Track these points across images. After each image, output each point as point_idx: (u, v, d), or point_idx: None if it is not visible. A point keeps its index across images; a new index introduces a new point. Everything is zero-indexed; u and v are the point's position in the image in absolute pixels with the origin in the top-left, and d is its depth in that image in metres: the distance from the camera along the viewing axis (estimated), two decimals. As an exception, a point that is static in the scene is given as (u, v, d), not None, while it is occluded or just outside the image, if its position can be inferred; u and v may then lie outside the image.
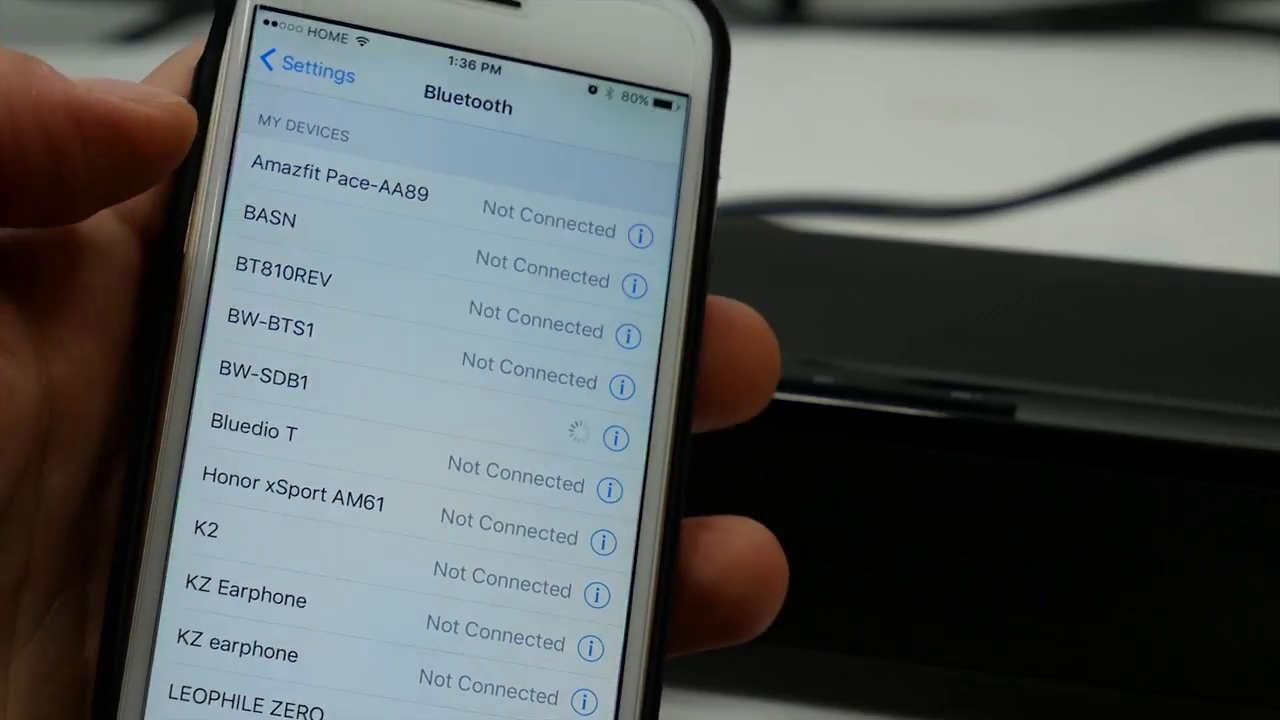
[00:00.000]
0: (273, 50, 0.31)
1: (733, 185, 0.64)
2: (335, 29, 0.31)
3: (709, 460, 0.41)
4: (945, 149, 0.70)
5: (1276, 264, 0.48)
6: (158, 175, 0.29)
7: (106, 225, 0.30)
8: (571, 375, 0.31)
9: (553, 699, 0.31)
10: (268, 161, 0.31)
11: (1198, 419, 0.41)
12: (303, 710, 0.30)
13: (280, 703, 0.30)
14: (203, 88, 0.30)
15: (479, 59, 0.32)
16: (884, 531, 0.42)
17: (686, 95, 0.32)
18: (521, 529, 0.31)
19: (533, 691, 0.31)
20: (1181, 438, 0.40)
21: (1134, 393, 0.41)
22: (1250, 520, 0.40)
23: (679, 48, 0.32)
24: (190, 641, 0.29)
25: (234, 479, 0.30)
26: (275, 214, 0.31)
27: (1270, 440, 0.40)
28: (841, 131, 0.74)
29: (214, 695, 0.29)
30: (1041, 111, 0.75)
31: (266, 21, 0.31)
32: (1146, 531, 0.41)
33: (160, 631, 0.29)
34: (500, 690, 0.31)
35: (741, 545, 0.32)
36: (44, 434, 0.29)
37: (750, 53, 0.88)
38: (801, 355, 0.42)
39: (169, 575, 0.29)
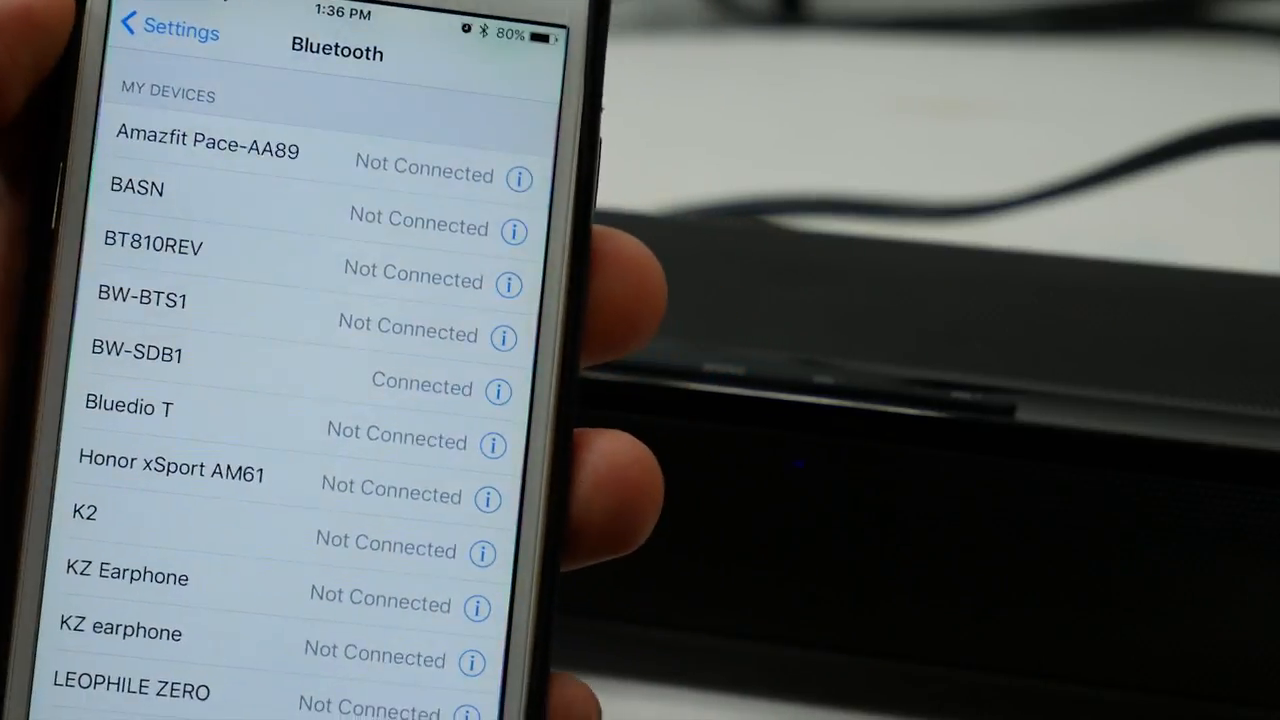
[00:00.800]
0: (133, 13, 0.30)
1: (733, 185, 0.64)
2: None
3: (707, 459, 0.42)
4: (945, 149, 0.70)
5: (1277, 264, 0.48)
6: (61, 43, 0.29)
7: None
8: (452, 329, 0.31)
9: (440, 662, 0.30)
10: (133, 129, 0.30)
11: (1198, 419, 0.41)
12: (189, 689, 0.30)
13: (166, 683, 0.29)
14: (63, 57, 0.30)
15: (346, 5, 0.31)
16: (885, 532, 0.42)
17: (565, 27, 0.31)
18: (405, 491, 0.31)
19: (421, 655, 0.30)
20: (1182, 438, 0.40)
21: (1134, 393, 0.41)
22: (1251, 520, 0.40)
23: None
24: (73, 627, 0.29)
25: (111, 459, 0.30)
26: (143, 184, 0.30)
27: (1270, 440, 0.40)
28: (841, 131, 0.74)
29: (99, 680, 0.29)
30: (1041, 111, 0.75)
31: None
32: (1147, 532, 0.41)
33: (43, 618, 0.29)
34: (388, 657, 0.30)
35: (613, 459, 0.31)
36: None
37: (750, 53, 0.88)
38: (801, 355, 0.43)
39: (49, 561, 0.29)
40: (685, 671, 0.44)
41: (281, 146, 0.31)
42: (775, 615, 0.43)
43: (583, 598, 0.42)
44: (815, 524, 0.42)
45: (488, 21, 0.31)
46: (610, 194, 0.53)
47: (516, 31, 0.31)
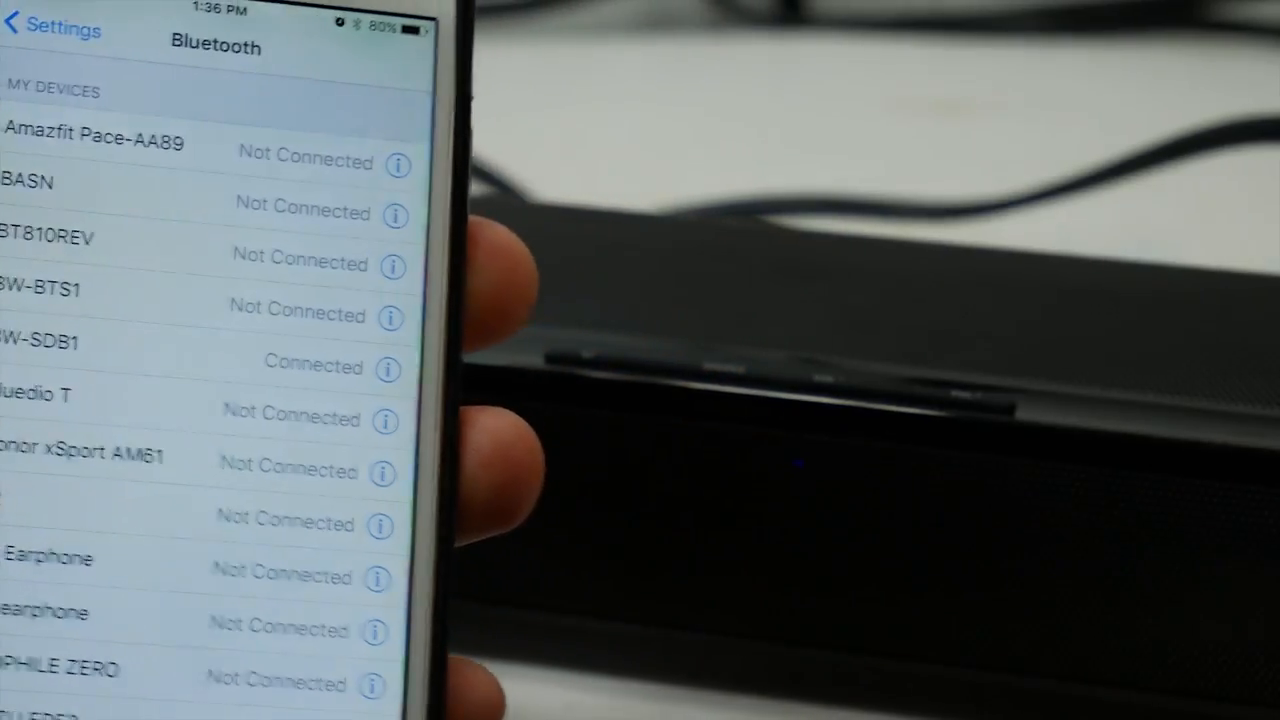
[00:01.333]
0: (15, 13, 0.30)
1: (733, 185, 0.65)
2: None
3: (707, 458, 0.42)
4: (945, 149, 0.71)
5: (1277, 264, 0.48)
6: None
7: None
8: (340, 311, 0.31)
9: (344, 632, 0.31)
10: (20, 125, 0.30)
11: (1198, 418, 0.41)
12: (98, 666, 0.30)
13: (75, 661, 0.30)
14: None
15: (223, 2, 0.31)
16: (886, 531, 0.42)
17: (434, 19, 0.32)
18: (302, 467, 0.31)
19: (324, 626, 0.31)
20: (1181, 437, 0.40)
21: (1135, 392, 0.41)
22: (1248, 519, 0.40)
23: None
24: None
25: (12, 445, 0.30)
26: (33, 177, 0.30)
27: (1269, 439, 0.40)
28: (841, 131, 0.75)
29: (8, 660, 0.29)
30: (1041, 111, 0.76)
31: None
32: (1147, 530, 0.40)
33: None
34: (292, 629, 0.31)
35: (497, 436, 0.32)
36: None
37: (750, 53, 0.89)
38: (802, 354, 0.43)
39: None
40: (685, 669, 0.44)
41: (166, 138, 0.31)
42: (777, 614, 0.43)
43: (592, 599, 0.44)
44: (815, 523, 0.42)
45: (359, 15, 0.32)
46: (612, 193, 0.54)
47: (388, 24, 0.32)
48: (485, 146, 0.67)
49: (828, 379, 0.42)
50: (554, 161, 0.67)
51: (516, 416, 0.32)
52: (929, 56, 0.84)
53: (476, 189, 0.65)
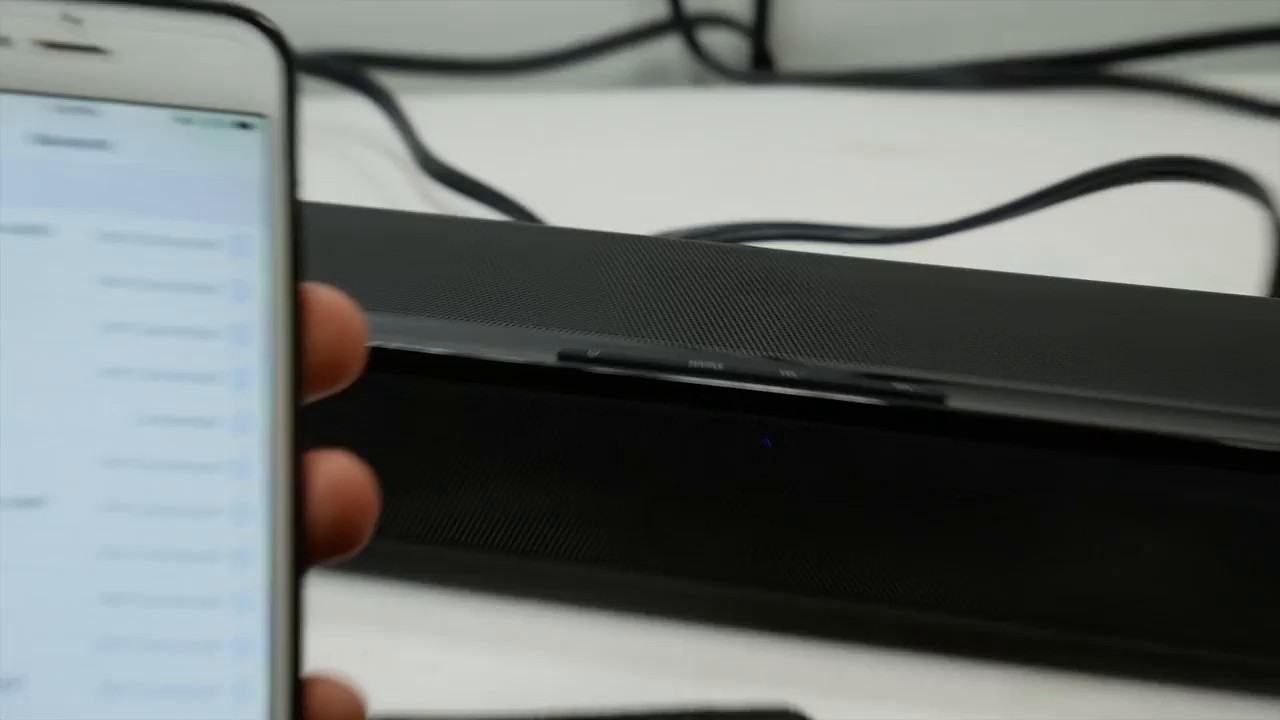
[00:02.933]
0: None
1: (714, 213, 0.65)
2: None
3: (692, 439, 0.43)
4: (888, 184, 0.70)
5: (1164, 279, 0.49)
6: None
7: None
8: (197, 374, 0.31)
9: (215, 648, 0.30)
10: None
11: (1090, 406, 0.41)
12: (7, 682, 0.29)
13: None
14: None
15: (78, 104, 0.30)
16: (837, 497, 0.43)
17: (264, 116, 0.31)
18: (171, 509, 0.30)
19: (197, 642, 0.30)
20: (1081, 421, 0.41)
21: (1043, 385, 0.42)
22: (1125, 488, 0.41)
23: (253, 75, 0.31)
24: None
25: None
26: None
27: (1152, 422, 0.41)
28: (802, 169, 0.74)
29: None
30: (969, 153, 0.76)
31: None
32: (1047, 495, 0.41)
33: None
34: (169, 646, 0.30)
35: (334, 476, 0.31)
36: None
37: (727, 103, 0.88)
38: (769, 354, 0.43)
39: None
40: (671, 608, 0.45)
41: (33, 226, 0.30)
42: (748, 562, 0.44)
43: (595, 551, 0.44)
44: (780, 490, 0.43)
45: (198, 114, 0.31)
46: (612, 219, 0.54)
47: (224, 121, 0.31)
48: (507, 181, 0.68)
49: (791, 374, 0.42)
50: (564, 192, 0.67)
51: (352, 458, 0.32)
52: (876, 107, 0.83)
53: (503, 216, 0.66)
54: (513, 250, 0.49)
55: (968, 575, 0.42)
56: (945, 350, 0.43)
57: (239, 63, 0.31)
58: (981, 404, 0.41)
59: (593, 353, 0.43)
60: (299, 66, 0.31)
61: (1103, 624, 0.42)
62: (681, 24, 0.87)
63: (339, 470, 0.31)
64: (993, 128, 0.80)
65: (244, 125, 0.31)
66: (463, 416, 0.44)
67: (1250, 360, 0.44)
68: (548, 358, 0.43)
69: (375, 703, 0.32)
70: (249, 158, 0.31)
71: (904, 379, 0.42)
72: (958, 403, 0.41)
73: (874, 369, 0.42)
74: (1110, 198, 0.60)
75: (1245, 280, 0.56)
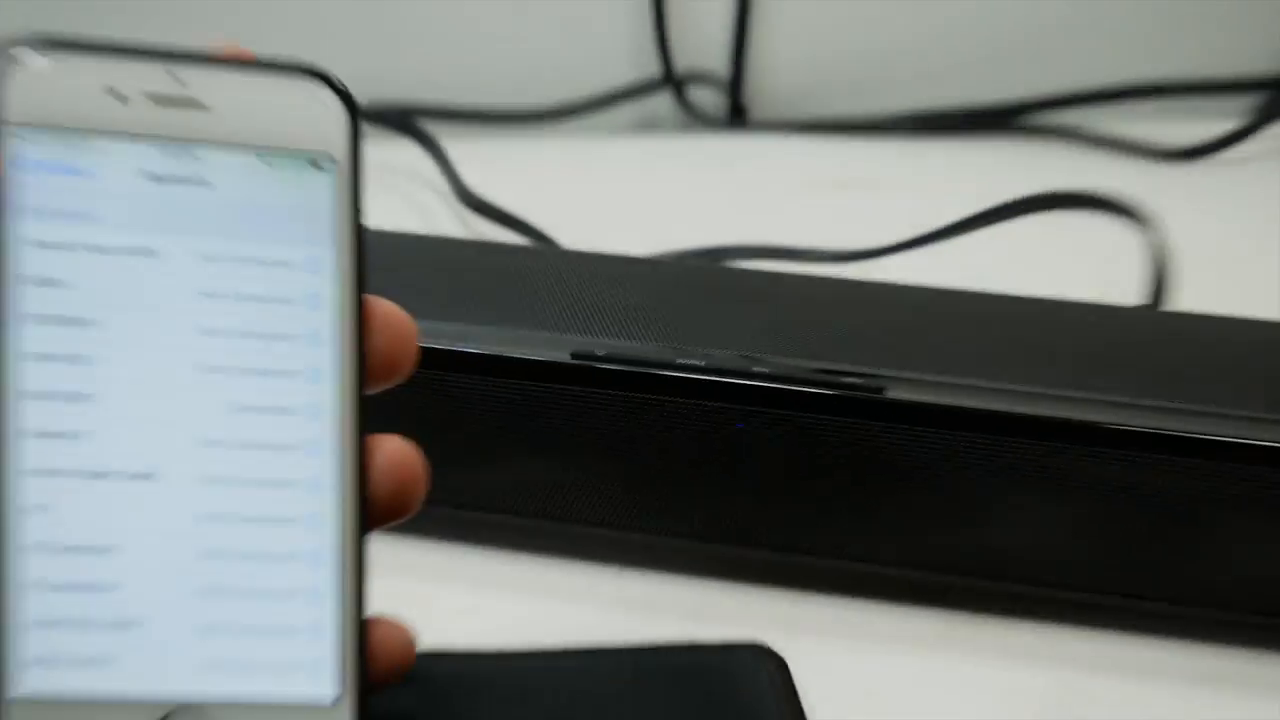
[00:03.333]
0: (27, 157, 0.29)
1: (699, 238, 0.66)
2: (73, 137, 0.29)
3: (679, 422, 0.43)
4: (841, 214, 0.70)
5: (1063, 292, 0.49)
6: None
7: None
8: (278, 370, 0.31)
9: (293, 595, 0.30)
10: (38, 241, 0.29)
11: (1006, 396, 0.41)
12: (127, 622, 0.29)
13: (111, 620, 0.29)
14: None
15: (180, 147, 0.30)
16: (797, 469, 0.42)
17: (334, 158, 0.31)
18: (255, 481, 0.30)
19: (279, 590, 0.30)
20: (993, 408, 0.41)
21: (968, 379, 0.42)
22: (1031, 462, 0.41)
23: (325, 124, 0.31)
24: (40, 586, 0.29)
25: (51, 471, 0.29)
26: (50, 280, 0.29)
27: (1047, 409, 0.41)
28: (770, 201, 0.74)
29: (63, 622, 0.29)
30: (907, 188, 0.75)
31: (18, 136, 0.29)
32: (970, 469, 0.41)
33: (20, 582, 0.29)
34: (256, 594, 0.30)
35: (391, 455, 0.31)
36: None
37: (710, 147, 0.89)
38: (742, 352, 0.43)
39: (20, 541, 0.29)
40: (664, 561, 0.45)
41: (145, 248, 0.30)
42: (725, 524, 0.44)
43: (602, 515, 0.44)
44: (750, 463, 0.43)
45: (281, 157, 0.31)
46: (615, 243, 0.54)
47: (299, 159, 0.31)
48: (530, 211, 0.68)
49: (760, 369, 0.42)
50: (576, 221, 0.67)
51: (405, 440, 0.32)
52: (831, 149, 0.83)
53: (527, 241, 0.66)
54: (534, 268, 0.49)
55: (902, 534, 0.42)
56: (885, 350, 0.43)
57: (314, 114, 0.31)
58: (914, 394, 0.41)
59: (600, 352, 0.43)
60: (361, 116, 0.31)
61: (1009, 573, 0.42)
62: (671, 82, 0.86)
63: (395, 450, 0.32)
64: (927, 167, 0.80)
65: (317, 166, 0.31)
66: (493, 405, 0.44)
67: (1128, 357, 0.44)
68: (563, 356, 0.43)
69: (422, 640, 0.32)
70: (321, 192, 0.31)
71: (851, 374, 0.42)
72: (895, 393, 0.41)
73: (827, 365, 0.42)
74: (1021, 225, 0.60)
75: (1128, 292, 0.56)
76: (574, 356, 0.43)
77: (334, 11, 0.84)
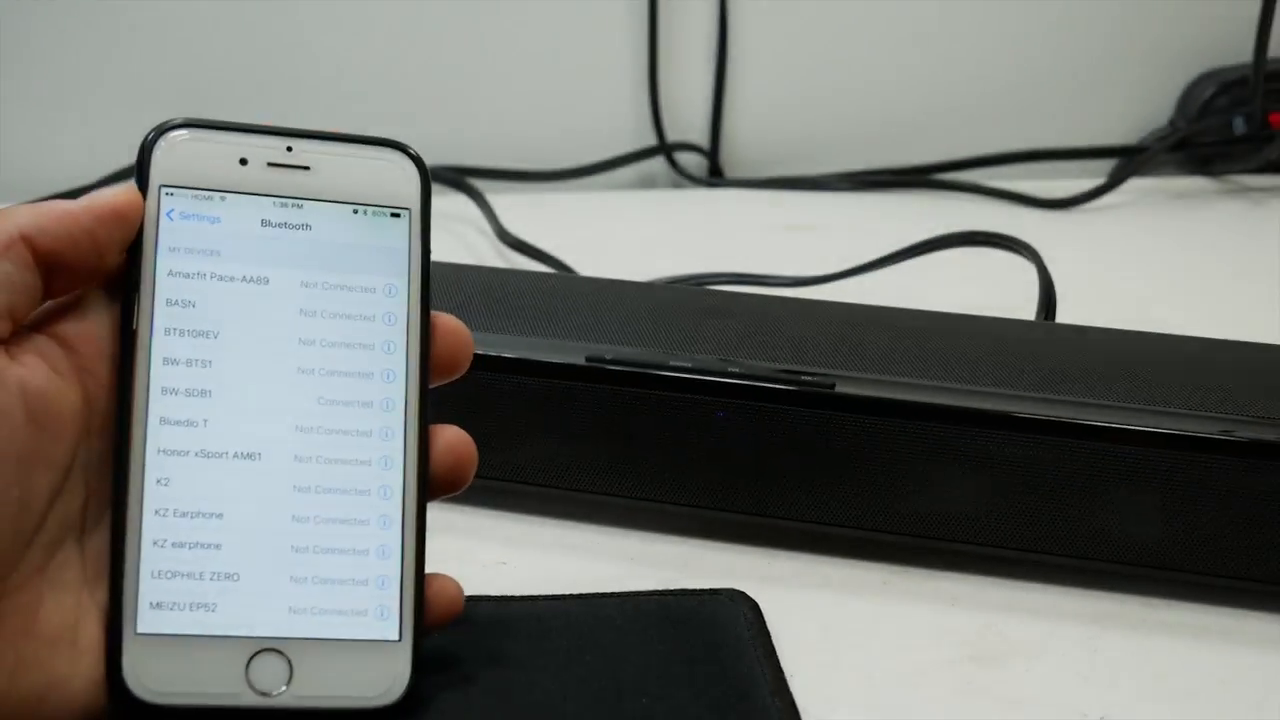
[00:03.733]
0: (172, 210, 0.30)
1: (685, 268, 0.65)
2: (207, 193, 0.30)
3: (669, 412, 0.41)
4: (795, 249, 0.70)
5: (970, 309, 0.48)
6: (134, 227, 0.29)
7: (103, 303, 0.29)
8: (360, 372, 0.31)
9: (366, 552, 0.30)
10: (176, 271, 0.30)
11: (929, 390, 0.40)
12: (228, 575, 0.29)
13: (215, 572, 0.29)
14: (138, 235, 0.30)
15: (290, 200, 0.31)
16: (764, 449, 0.41)
17: (409, 209, 0.31)
18: (339, 460, 0.30)
19: (355, 549, 0.30)
20: (922, 400, 0.40)
21: (896, 376, 0.41)
22: (954, 444, 0.40)
23: (402, 183, 0.31)
24: (159, 544, 0.29)
25: (175, 451, 0.29)
26: (184, 301, 0.30)
27: (963, 400, 0.40)
28: (741, 239, 0.74)
29: (176, 574, 0.29)
30: (846, 230, 0.75)
31: (168, 193, 0.30)
32: (904, 448, 0.40)
33: (143, 541, 0.29)
34: (336, 551, 0.30)
35: (449, 441, 0.32)
36: (86, 420, 0.28)
37: (692, 199, 0.89)
38: (720, 356, 0.42)
39: (145, 508, 0.29)
40: (654, 524, 0.43)
41: (260, 277, 0.30)
42: (708, 492, 0.42)
43: (607, 485, 0.43)
44: (728, 446, 0.42)
45: (368, 207, 0.31)
46: (620, 271, 0.53)
47: (383, 212, 0.31)
48: (554, 247, 0.67)
49: (734, 369, 0.41)
50: (590, 254, 0.66)
51: (460, 429, 0.32)
52: (787, 200, 0.83)
53: (550, 269, 0.65)
54: (556, 290, 0.48)
55: (850, 501, 0.41)
56: (833, 354, 0.42)
57: (394, 175, 0.31)
58: (857, 389, 0.40)
59: (608, 356, 0.42)
60: (430, 177, 0.32)
61: (937, 532, 0.41)
62: (664, 149, 0.87)
63: (453, 436, 0.32)
64: (860, 214, 0.80)
65: (395, 215, 0.32)
66: (525, 397, 0.43)
67: (1023, 359, 0.42)
68: (578, 359, 0.42)
69: (466, 588, 0.32)
70: (398, 235, 0.31)
71: (807, 373, 0.41)
72: (842, 388, 0.40)
73: (787, 366, 0.41)
74: (935, 258, 0.60)
75: (1021, 309, 0.55)
76: (587, 359, 0.42)
77: (407, 95, 0.85)
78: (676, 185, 0.87)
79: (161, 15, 0.82)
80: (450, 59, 0.84)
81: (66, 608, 0.27)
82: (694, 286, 0.61)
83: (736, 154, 0.87)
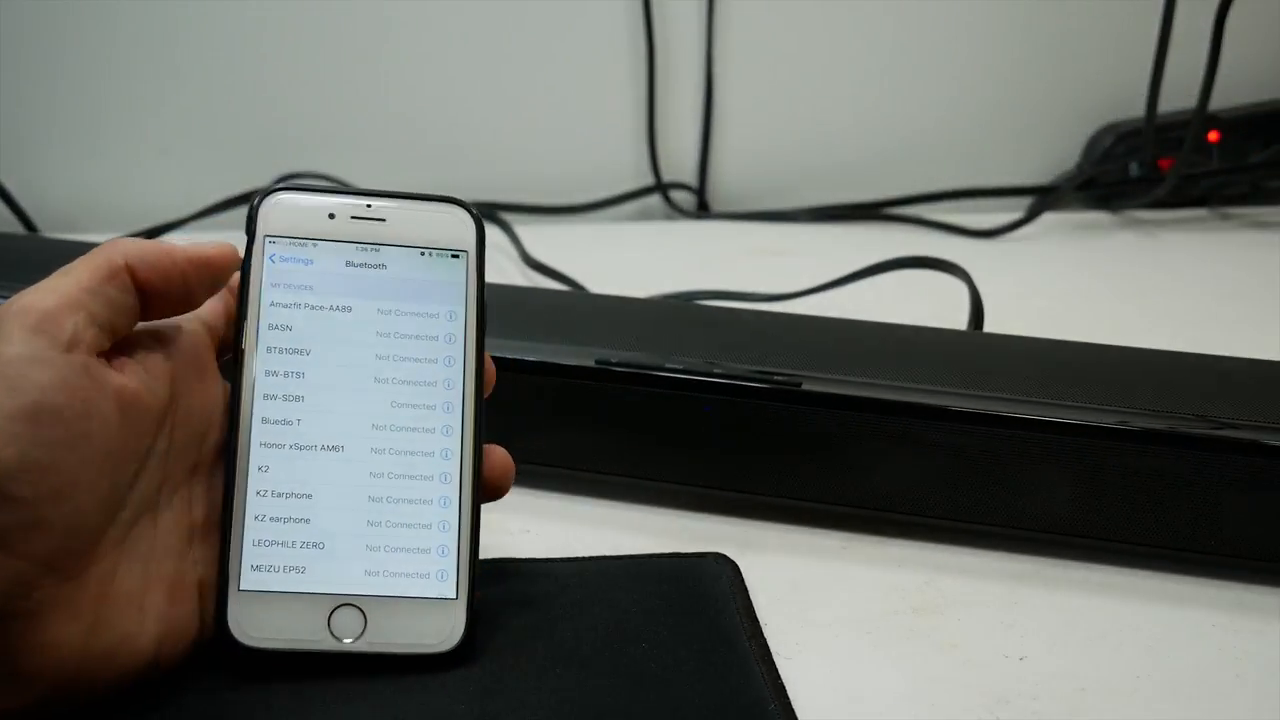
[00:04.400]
0: (274, 254, 0.31)
1: (677, 286, 0.64)
2: (303, 241, 0.31)
3: (664, 407, 0.41)
4: (770, 271, 0.69)
5: (914, 320, 0.48)
6: (228, 273, 0.30)
7: (194, 325, 0.30)
8: (426, 381, 0.31)
9: (429, 526, 0.30)
10: (275, 302, 0.31)
11: (881, 387, 0.40)
12: (315, 544, 0.29)
13: (304, 542, 0.29)
14: (246, 273, 0.31)
15: (368, 246, 0.31)
16: (744, 437, 0.41)
17: (466, 251, 0.32)
18: (409, 453, 0.31)
19: (421, 524, 0.30)
20: (875, 396, 0.40)
21: (854, 376, 0.40)
22: (903, 431, 0.39)
23: (461, 231, 0.32)
24: (260, 519, 0.29)
25: (273, 444, 0.30)
26: (283, 325, 0.30)
27: (910, 396, 0.39)
28: (725, 262, 0.73)
29: (273, 543, 0.29)
30: (812, 254, 0.74)
31: (270, 241, 0.31)
32: (860, 436, 0.40)
33: (246, 516, 0.29)
34: (405, 525, 0.30)
35: (493, 459, 0.32)
36: (168, 419, 0.28)
37: (684, 229, 0.89)
38: (707, 359, 0.41)
39: (249, 490, 0.29)
40: (651, 499, 0.43)
41: (344, 307, 0.31)
42: (697, 473, 0.42)
43: (612, 466, 0.42)
44: (713, 434, 0.41)
45: (432, 250, 0.32)
46: (623, 289, 0.53)
47: (445, 253, 0.32)
48: (569, 268, 0.67)
49: (719, 370, 0.41)
50: (598, 275, 0.65)
51: (504, 450, 0.32)
52: (763, 230, 0.82)
53: (564, 287, 0.65)
54: (571, 305, 0.48)
55: (815, 479, 0.41)
56: (801, 358, 0.42)
57: (453, 224, 0.32)
58: (822, 387, 0.40)
59: (614, 359, 0.42)
60: (483, 224, 0.32)
61: (889, 506, 0.40)
62: (660, 188, 0.86)
63: (498, 455, 0.32)
64: (824, 241, 0.79)
65: (455, 255, 0.32)
66: (544, 394, 0.42)
67: (957, 362, 0.42)
68: (589, 362, 0.42)
69: (495, 551, 0.33)
70: (458, 272, 0.32)
71: (778, 374, 0.41)
72: (808, 386, 0.40)
73: (762, 368, 0.41)
74: (885, 278, 0.60)
75: (955, 320, 0.55)
76: (597, 362, 0.42)
77: (450, 144, 0.85)
78: (670, 218, 0.86)
79: (244, 78, 0.82)
80: (486, 115, 0.84)
81: (136, 576, 0.27)
82: (685, 302, 0.61)
83: (721, 191, 0.87)
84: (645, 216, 0.87)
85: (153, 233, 0.77)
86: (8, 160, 0.80)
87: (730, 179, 0.87)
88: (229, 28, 0.81)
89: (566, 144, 0.85)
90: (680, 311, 0.50)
